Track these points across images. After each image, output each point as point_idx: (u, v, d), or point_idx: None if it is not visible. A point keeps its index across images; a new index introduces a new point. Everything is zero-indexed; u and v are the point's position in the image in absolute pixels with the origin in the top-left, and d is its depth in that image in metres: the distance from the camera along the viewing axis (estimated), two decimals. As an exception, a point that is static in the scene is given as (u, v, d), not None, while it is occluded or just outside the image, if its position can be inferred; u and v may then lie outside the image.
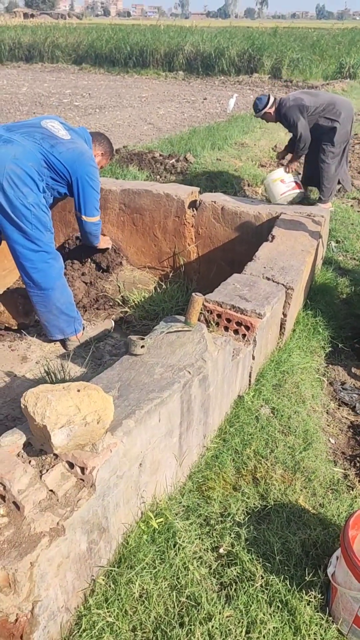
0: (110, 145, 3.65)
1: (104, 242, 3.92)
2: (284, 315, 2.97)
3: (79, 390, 1.61)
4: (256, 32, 22.96)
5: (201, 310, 2.59)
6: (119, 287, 4.02)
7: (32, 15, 62.41)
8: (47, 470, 1.58)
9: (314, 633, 1.70)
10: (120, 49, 20.90)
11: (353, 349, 3.39)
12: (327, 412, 2.86)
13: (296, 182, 5.33)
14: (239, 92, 15.34)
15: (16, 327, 3.53)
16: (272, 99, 5.26)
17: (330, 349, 3.33)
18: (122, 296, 3.93)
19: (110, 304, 3.91)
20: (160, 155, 7.35)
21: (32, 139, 3.03)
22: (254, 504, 2.13)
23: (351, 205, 6.08)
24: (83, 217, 3.33)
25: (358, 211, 5.91)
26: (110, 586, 1.71)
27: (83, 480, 1.59)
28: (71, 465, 1.60)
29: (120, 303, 3.89)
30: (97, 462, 1.58)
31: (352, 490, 2.29)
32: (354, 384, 3.12)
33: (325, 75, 18.24)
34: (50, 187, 3.12)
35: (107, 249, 4.06)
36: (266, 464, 2.32)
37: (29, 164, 2.95)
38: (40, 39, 23.19)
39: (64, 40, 22.96)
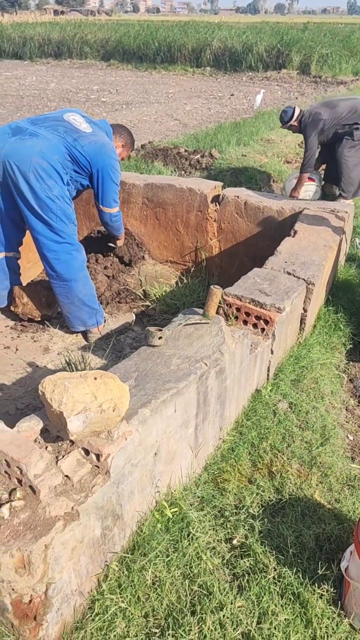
0: (131, 137, 3.69)
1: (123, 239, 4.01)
2: (304, 310, 2.95)
3: (95, 379, 1.64)
4: (285, 27, 22.75)
5: (220, 303, 2.60)
6: (141, 281, 4.04)
7: (62, 12, 62.97)
8: (63, 456, 1.61)
9: (326, 626, 1.70)
10: (148, 45, 20.91)
11: (375, 346, 3.35)
12: (346, 409, 2.84)
13: (309, 178, 5.32)
14: (266, 88, 15.24)
15: (39, 319, 3.58)
16: (297, 112, 5.27)
17: (351, 345, 3.30)
18: (143, 290, 3.96)
19: (132, 297, 3.94)
20: (186, 150, 7.36)
21: (56, 132, 3.08)
22: (269, 497, 2.14)
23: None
24: (101, 207, 3.40)
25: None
26: (123, 572, 1.74)
27: (98, 467, 1.62)
28: (87, 452, 1.63)
29: (142, 297, 3.92)
30: (112, 450, 1.60)
31: (369, 486, 2.27)
32: (374, 382, 3.09)
33: (355, 70, 17.99)
34: (73, 179, 3.17)
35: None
36: (282, 458, 2.32)
37: (54, 157, 3.00)
38: (69, 36, 23.32)
39: (93, 36, 23.06)
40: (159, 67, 20.64)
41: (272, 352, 2.66)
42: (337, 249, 3.47)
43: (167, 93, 14.43)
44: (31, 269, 4.10)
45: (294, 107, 5.35)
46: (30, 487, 1.53)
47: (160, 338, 2.09)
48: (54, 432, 1.68)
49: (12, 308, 3.60)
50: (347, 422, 2.75)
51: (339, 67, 17.91)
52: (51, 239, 3.09)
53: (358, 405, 2.91)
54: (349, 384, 3.05)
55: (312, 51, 18.37)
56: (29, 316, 3.56)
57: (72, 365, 2.91)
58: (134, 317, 3.70)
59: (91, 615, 1.63)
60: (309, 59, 18.39)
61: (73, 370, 2.88)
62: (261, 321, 2.58)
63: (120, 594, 1.69)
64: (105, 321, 3.50)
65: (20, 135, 3.03)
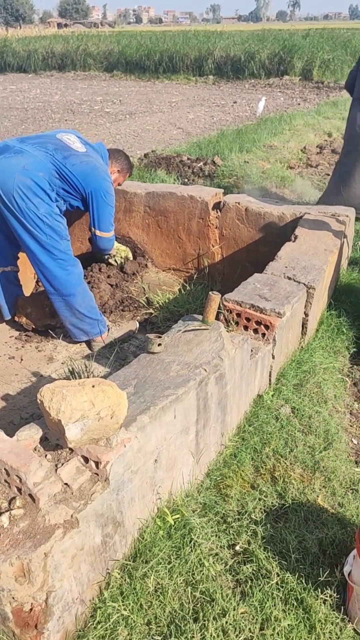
0: (129, 162, 3.69)
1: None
2: (306, 314, 2.95)
3: (93, 386, 1.65)
4: (287, 34, 22.86)
5: (221, 309, 2.61)
6: (144, 289, 4.06)
7: (66, 25, 63.62)
8: (63, 464, 1.62)
9: (329, 632, 1.69)
10: (151, 56, 21.07)
11: (379, 350, 3.34)
12: (350, 413, 2.83)
13: None
14: (269, 94, 15.30)
15: (43, 329, 3.60)
16: None
17: (355, 349, 3.29)
18: (146, 298, 3.97)
19: (135, 305, 3.95)
20: (188, 158, 7.40)
21: (43, 149, 3.07)
22: (271, 502, 2.13)
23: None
24: (97, 232, 3.35)
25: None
26: (125, 580, 1.74)
27: (97, 475, 1.62)
28: (86, 460, 1.64)
29: (145, 305, 3.93)
30: (111, 457, 1.61)
31: (373, 490, 2.26)
32: (379, 385, 3.08)
33: (358, 75, 17.98)
34: (61, 197, 3.16)
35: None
36: (285, 463, 2.32)
37: (39, 174, 2.97)
38: (73, 48, 23.55)
39: (96, 48, 23.27)
40: (161, 76, 20.78)
41: (273, 357, 2.65)
42: (339, 253, 3.47)
43: (170, 102, 14.51)
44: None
45: None
46: (30, 495, 1.54)
47: (159, 345, 2.10)
48: (54, 441, 1.69)
49: (16, 318, 3.63)
50: (351, 425, 2.74)
51: (341, 72, 17.94)
52: (44, 257, 3.06)
53: (362, 409, 2.89)
54: (353, 388, 3.04)
55: (314, 57, 18.45)
56: (33, 326, 3.59)
57: (76, 374, 2.92)
58: (138, 325, 3.71)
59: (93, 624, 1.63)
60: (310, 65, 18.47)
61: (76, 379, 2.89)
62: (262, 326, 2.58)
63: (123, 601, 1.69)
64: (108, 330, 3.51)
65: (6, 153, 3.01)
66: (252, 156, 7.50)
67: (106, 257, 4.01)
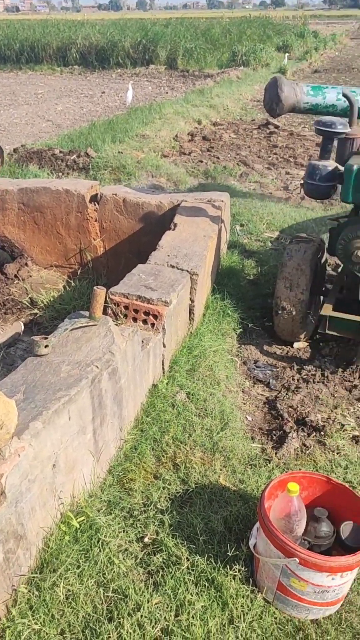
0: None
1: None
2: (192, 300, 3.00)
3: (-22, 398, 1.55)
4: (148, 23, 22.98)
5: (108, 303, 2.57)
6: (26, 289, 3.91)
7: None
8: None
9: (241, 605, 1.75)
10: (10, 45, 20.24)
11: (263, 328, 3.49)
12: (242, 391, 2.93)
13: None
14: (137, 84, 15.29)
15: None
16: None
17: (241, 329, 3.41)
18: (30, 298, 3.83)
19: (18, 307, 3.79)
20: (61, 151, 7.20)
21: None
22: (175, 489, 2.15)
23: (253, 189, 6.23)
24: None
25: (260, 194, 6.07)
26: (33, 593, 1.67)
27: (-8, 490, 1.54)
28: (-22, 476, 1.54)
29: (29, 305, 3.79)
30: (5, 469, 1.53)
31: (270, 462, 2.36)
32: (266, 361, 3.21)
33: (220, 63, 18.56)
34: None
35: None
36: (185, 448, 2.35)
37: None
38: None
39: None
40: (24, 67, 20.04)
41: (164, 346, 2.67)
42: (217, 238, 3.55)
43: (36, 94, 14.04)
44: None
45: None
46: None
47: (46, 346, 2.03)
48: None
49: None
50: (244, 403, 2.84)
51: (204, 60, 18.40)
52: None
53: (253, 386, 3.01)
54: (243, 367, 3.15)
55: (177, 46, 18.75)
56: None
57: None
58: (23, 327, 3.57)
59: (3, 645, 1.56)
60: (174, 54, 18.75)
61: None
62: (150, 316, 2.58)
63: (32, 615, 1.62)
64: (-9, 335, 3.35)
65: None
66: (126, 146, 7.45)
67: None
